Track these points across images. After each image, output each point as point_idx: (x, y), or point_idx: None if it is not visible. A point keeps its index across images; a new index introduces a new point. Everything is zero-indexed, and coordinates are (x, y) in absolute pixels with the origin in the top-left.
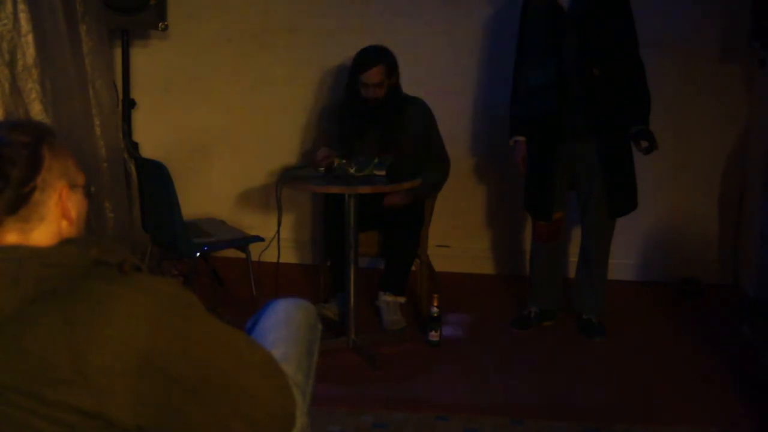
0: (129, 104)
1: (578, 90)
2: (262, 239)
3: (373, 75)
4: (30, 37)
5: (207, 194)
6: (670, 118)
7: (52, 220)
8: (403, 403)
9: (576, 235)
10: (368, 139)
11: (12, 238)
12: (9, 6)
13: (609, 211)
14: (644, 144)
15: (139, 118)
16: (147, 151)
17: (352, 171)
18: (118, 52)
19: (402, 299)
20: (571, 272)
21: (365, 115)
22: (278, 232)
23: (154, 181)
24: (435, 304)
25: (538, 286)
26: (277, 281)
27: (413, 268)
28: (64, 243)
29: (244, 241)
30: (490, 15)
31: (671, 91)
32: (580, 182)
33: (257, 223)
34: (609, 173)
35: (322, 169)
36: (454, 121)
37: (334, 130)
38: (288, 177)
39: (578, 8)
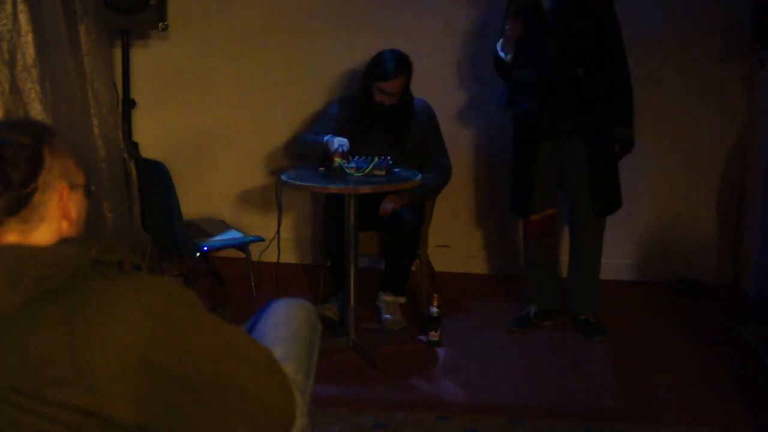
0: (129, 104)
1: (561, 90)
2: (262, 239)
3: (393, 86)
4: (30, 37)
5: (207, 194)
6: (670, 118)
7: (52, 220)
8: (403, 403)
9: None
10: (374, 140)
11: (12, 238)
12: (9, 6)
13: (595, 209)
14: (617, 147)
15: (139, 118)
16: (147, 151)
17: (352, 171)
18: (118, 52)
19: (402, 299)
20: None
21: (376, 116)
22: (278, 232)
23: (154, 181)
24: (435, 304)
25: (534, 284)
26: (277, 281)
27: (413, 268)
28: (64, 243)
29: (244, 241)
30: (490, 15)
31: (671, 91)
32: (567, 181)
33: (257, 223)
34: (593, 172)
35: (322, 169)
36: (454, 122)
37: (340, 123)
38: (288, 177)
39: (558, 8)
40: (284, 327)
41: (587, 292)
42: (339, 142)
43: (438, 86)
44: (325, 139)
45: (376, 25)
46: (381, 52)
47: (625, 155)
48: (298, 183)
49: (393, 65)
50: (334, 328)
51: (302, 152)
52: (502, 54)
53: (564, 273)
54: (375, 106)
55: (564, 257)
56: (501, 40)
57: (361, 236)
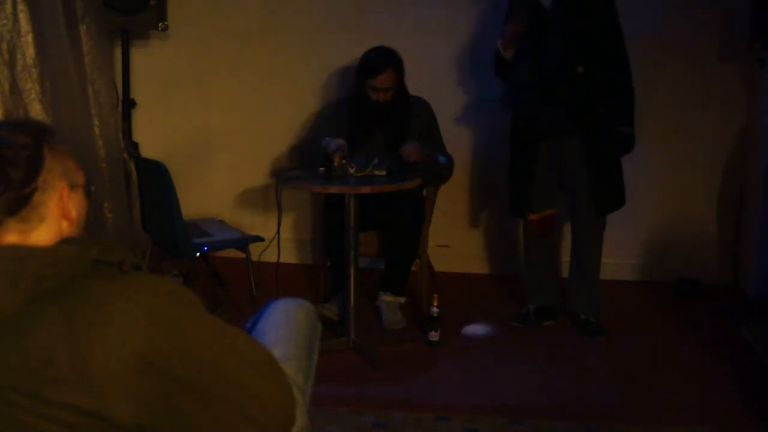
0: (129, 104)
1: (561, 88)
2: (262, 239)
3: (383, 80)
4: (30, 37)
5: (207, 194)
6: (670, 117)
7: (52, 220)
8: (403, 403)
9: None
10: (374, 140)
11: (12, 238)
12: (9, 6)
13: (595, 208)
14: (617, 146)
15: (139, 118)
16: (147, 151)
17: (352, 171)
18: (118, 52)
19: (402, 299)
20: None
21: (372, 116)
22: (278, 232)
23: (154, 181)
24: (435, 304)
25: (534, 284)
26: (277, 281)
27: (413, 268)
28: (64, 243)
29: (244, 241)
30: (488, 14)
31: (671, 91)
32: (567, 180)
33: (257, 223)
34: (593, 171)
35: (322, 169)
36: (454, 122)
37: (339, 125)
38: (288, 177)
39: (559, 6)
40: (284, 327)
41: (587, 292)
42: (336, 144)
43: (438, 86)
44: (324, 142)
45: (375, 26)
46: (367, 50)
47: (625, 154)
48: (298, 183)
49: (379, 60)
50: (334, 328)
51: (308, 162)
52: (502, 51)
53: (564, 273)
54: (371, 104)
55: (564, 257)
56: (502, 31)
57: (361, 236)
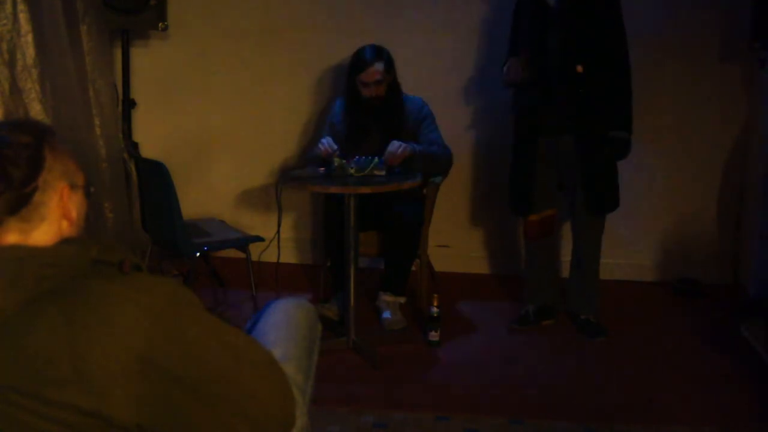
0: (129, 104)
1: (562, 87)
2: (262, 239)
3: (373, 74)
4: (30, 37)
5: (207, 194)
6: (670, 117)
7: (52, 220)
8: (403, 403)
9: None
10: (371, 137)
11: (12, 238)
12: (9, 6)
13: (594, 208)
14: (610, 149)
15: (139, 118)
16: (147, 151)
17: (352, 171)
18: (118, 52)
19: (402, 299)
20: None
21: (368, 114)
22: (278, 232)
23: (154, 181)
24: (435, 304)
25: (534, 284)
26: (277, 281)
27: (413, 268)
28: (64, 243)
29: (244, 241)
30: (488, 15)
31: (671, 90)
32: (566, 180)
33: (257, 223)
34: (591, 171)
35: (322, 169)
36: (453, 122)
37: (335, 129)
38: (288, 177)
39: (563, 5)
40: (284, 327)
41: (587, 292)
42: (327, 143)
43: (437, 87)
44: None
45: (375, 26)
46: (358, 49)
47: (620, 159)
48: (298, 183)
49: (367, 55)
50: (334, 328)
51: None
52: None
53: (564, 273)
54: (364, 101)
55: (564, 257)
56: (506, 70)
57: (361, 236)
